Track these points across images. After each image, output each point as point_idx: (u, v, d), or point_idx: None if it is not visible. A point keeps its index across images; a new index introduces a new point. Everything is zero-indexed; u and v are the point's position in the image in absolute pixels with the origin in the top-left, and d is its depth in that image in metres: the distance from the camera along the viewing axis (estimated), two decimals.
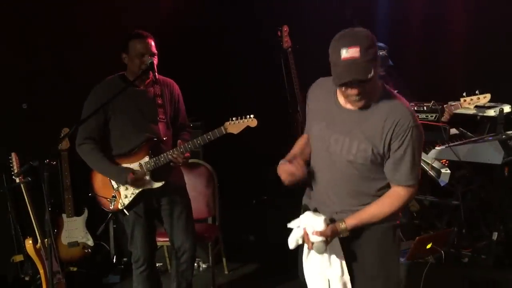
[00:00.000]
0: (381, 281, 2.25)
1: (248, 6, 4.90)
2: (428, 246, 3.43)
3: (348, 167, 2.15)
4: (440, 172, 3.45)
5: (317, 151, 2.25)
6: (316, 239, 2.11)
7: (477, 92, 3.78)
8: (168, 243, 3.66)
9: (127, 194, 3.03)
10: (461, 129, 3.99)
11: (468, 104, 3.84)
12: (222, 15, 4.92)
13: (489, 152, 3.27)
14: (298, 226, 2.18)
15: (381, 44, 4.24)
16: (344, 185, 2.19)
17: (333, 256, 2.20)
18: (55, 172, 3.78)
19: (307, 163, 2.31)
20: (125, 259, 4.11)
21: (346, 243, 2.21)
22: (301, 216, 2.21)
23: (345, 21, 4.93)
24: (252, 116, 3.02)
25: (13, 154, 3.51)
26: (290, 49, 4.43)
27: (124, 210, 3.04)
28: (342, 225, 2.13)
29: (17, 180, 3.42)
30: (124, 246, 3.84)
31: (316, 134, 2.23)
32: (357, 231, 2.20)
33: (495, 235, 3.60)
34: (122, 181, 2.99)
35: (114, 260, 4.08)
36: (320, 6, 4.79)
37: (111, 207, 3.05)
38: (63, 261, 3.78)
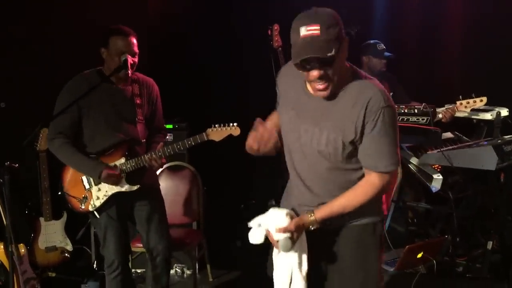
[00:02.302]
0: (359, 281, 2.09)
1: (238, 4, 4.78)
2: (419, 255, 3.28)
3: (320, 158, 2.00)
4: (432, 177, 3.30)
5: (288, 142, 2.11)
6: (280, 236, 1.94)
7: (473, 95, 3.66)
8: None
9: (99, 195, 2.91)
10: (457, 133, 3.85)
11: (464, 108, 3.73)
12: (211, 14, 4.80)
13: (482, 158, 3.12)
14: (259, 225, 2.00)
15: (376, 41, 4.16)
16: (319, 178, 2.05)
17: (300, 252, 2.02)
18: (34, 173, 3.67)
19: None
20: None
21: (322, 241, 2.06)
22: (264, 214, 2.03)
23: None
24: (235, 124, 2.93)
25: None
26: (280, 48, 4.30)
27: (95, 212, 2.91)
28: (310, 217, 1.97)
29: None
30: None
31: (286, 123, 2.09)
32: (334, 228, 2.06)
33: (489, 244, 3.45)
34: (96, 175, 2.84)
35: (95, 265, 3.95)
36: (313, 4, 4.66)
37: (81, 208, 2.94)
38: (41, 266, 3.67)
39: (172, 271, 3.93)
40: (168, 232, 3.13)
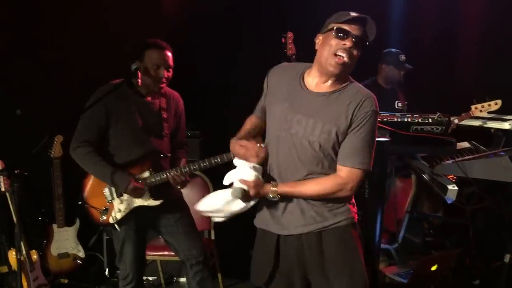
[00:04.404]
0: (345, 280, 2.15)
1: (252, 12, 4.76)
2: (433, 267, 3.21)
3: (308, 148, 2.11)
4: (447, 188, 3.23)
5: (276, 132, 2.18)
6: (238, 184, 2.08)
7: (487, 98, 3.62)
8: (162, 257, 3.60)
9: (121, 208, 2.85)
10: (474, 142, 3.77)
11: (479, 112, 3.69)
12: (225, 21, 4.79)
13: (499, 169, 3.05)
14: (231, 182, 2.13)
15: (398, 50, 4.14)
16: (301, 168, 2.13)
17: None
18: (47, 180, 3.70)
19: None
20: (118, 271, 3.97)
21: (308, 252, 2.15)
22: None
23: None
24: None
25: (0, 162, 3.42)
26: (294, 56, 4.26)
27: (115, 225, 2.86)
28: (272, 187, 2.11)
29: (3, 189, 3.31)
30: None
31: (278, 114, 2.17)
32: (317, 234, 2.14)
33: (507, 257, 3.36)
34: (123, 187, 2.78)
35: (107, 272, 3.96)
36: (327, 11, 4.62)
37: (101, 220, 2.87)
38: (53, 272, 3.69)
39: (183, 280, 3.92)
40: (199, 237, 3.07)
